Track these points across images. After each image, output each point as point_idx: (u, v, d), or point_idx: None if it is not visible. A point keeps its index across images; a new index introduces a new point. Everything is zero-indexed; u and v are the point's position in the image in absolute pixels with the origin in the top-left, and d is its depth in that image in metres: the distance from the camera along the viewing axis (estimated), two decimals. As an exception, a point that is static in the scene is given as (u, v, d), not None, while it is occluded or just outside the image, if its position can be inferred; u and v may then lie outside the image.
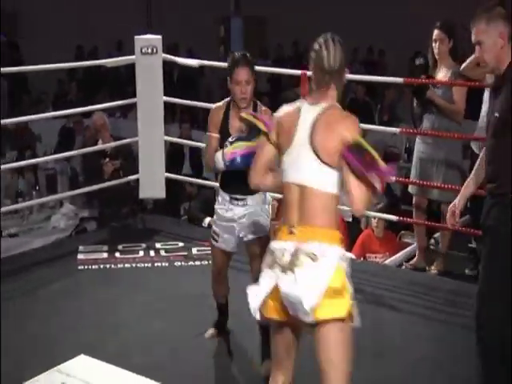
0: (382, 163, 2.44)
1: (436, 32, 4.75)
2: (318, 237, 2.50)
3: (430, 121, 4.82)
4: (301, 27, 15.22)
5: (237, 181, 3.27)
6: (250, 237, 3.57)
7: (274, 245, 2.58)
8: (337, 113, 2.56)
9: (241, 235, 3.58)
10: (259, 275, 2.63)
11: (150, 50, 5.45)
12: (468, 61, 4.57)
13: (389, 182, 2.95)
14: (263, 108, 3.55)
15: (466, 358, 3.47)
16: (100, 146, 5.96)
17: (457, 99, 4.75)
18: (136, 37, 5.48)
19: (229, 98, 3.58)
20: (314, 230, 2.51)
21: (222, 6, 16.87)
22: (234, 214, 3.54)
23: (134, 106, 5.60)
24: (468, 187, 3.23)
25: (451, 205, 3.23)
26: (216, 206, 3.64)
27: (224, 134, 3.50)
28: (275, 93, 11.51)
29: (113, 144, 5.94)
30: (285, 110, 2.66)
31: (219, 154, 3.36)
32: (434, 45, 4.79)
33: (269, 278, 2.54)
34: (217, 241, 3.63)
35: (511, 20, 2.91)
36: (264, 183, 2.75)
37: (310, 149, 2.51)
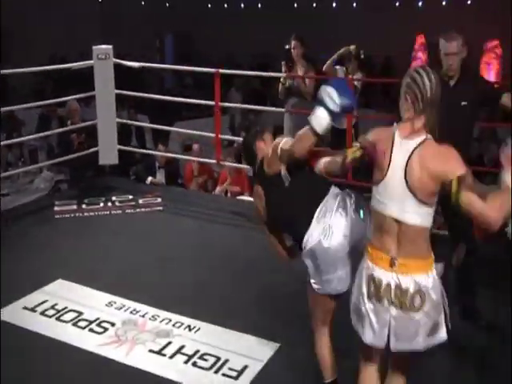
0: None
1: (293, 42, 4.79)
2: (419, 269, 1.87)
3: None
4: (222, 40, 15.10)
5: None
6: None
7: (377, 274, 1.90)
8: (433, 149, 1.84)
9: None
10: None
11: (104, 56, 5.26)
12: (328, 62, 4.59)
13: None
14: None
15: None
16: (71, 127, 5.72)
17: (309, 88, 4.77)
18: (94, 47, 5.28)
19: None
20: (414, 262, 1.87)
21: (159, 24, 16.39)
22: None
23: (93, 98, 5.41)
24: None
25: None
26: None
27: None
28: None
29: (82, 124, 5.70)
30: (379, 134, 1.95)
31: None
32: (292, 50, 4.82)
33: (382, 313, 1.91)
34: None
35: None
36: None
37: (407, 188, 1.84)
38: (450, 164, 1.80)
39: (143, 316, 3.15)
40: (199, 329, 3.02)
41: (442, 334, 1.92)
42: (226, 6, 17.42)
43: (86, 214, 4.64)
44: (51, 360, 2.81)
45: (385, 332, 1.91)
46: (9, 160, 7.28)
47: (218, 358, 2.79)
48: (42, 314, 3.17)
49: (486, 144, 6.69)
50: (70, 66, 5.69)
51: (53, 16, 14.18)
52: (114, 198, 4.95)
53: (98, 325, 3.06)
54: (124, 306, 3.25)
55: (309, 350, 2.73)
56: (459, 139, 2.31)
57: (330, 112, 2.08)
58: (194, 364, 2.76)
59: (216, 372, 2.70)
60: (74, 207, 4.74)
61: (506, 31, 10.45)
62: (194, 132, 5.61)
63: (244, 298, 3.34)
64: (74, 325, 3.07)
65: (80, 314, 3.17)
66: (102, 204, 4.82)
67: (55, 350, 2.88)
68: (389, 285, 1.88)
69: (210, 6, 17.47)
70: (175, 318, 3.13)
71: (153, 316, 3.15)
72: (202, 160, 5.86)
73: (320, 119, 2.09)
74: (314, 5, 15.85)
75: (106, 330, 3.02)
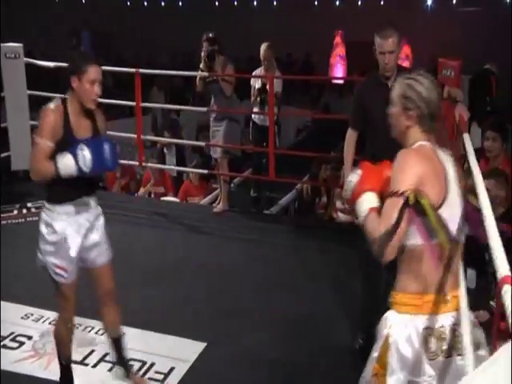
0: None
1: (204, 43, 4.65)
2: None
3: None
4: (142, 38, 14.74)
5: None
6: None
7: (437, 322, 1.51)
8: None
9: None
10: None
11: (13, 55, 4.99)
12: None
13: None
14: None
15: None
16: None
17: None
18: (1, 44, 4.99)
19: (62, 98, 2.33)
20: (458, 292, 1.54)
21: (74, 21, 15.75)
22: None
23: (3, 99, 5.12)
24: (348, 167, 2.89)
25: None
26: None
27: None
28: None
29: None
30: (425, 157, 1.58)
31: None
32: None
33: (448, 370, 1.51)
34: None
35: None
36: None
37: (460, 202, 1.60)
38: None
39: (63, 326, 3.01)
40: (123, 334, 2.92)
41: None
42: (145, 3, 17.08)
43: (3, 222, 4.38)
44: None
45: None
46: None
47: (144, 363, 2.73)
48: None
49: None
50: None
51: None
52: (29, 205, 4.70)
53: (13, 340, 2.89)
54: (42, 316, 3.09)
55: (235, 348, 2.74)
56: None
57: (78, 168, 2.17)
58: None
59: (142, 376, 2.64)
60: (-15, 216, 4.46)
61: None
62: (115, 133, 5.44)
63: (165, 298, 3.30)
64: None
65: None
66: (15, 211, 4.57)
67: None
68: (451, 330, 1.51)
69: (128, 3, 17.07)
70: (99, 324, 3.00)
71: (74, 325, 3.01)
72: (123, 162, 5.70)
73: (67, 167, 2.17)
74: (235, 3, 15.92)
75: (21, 344, 2.86)
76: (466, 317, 1.48)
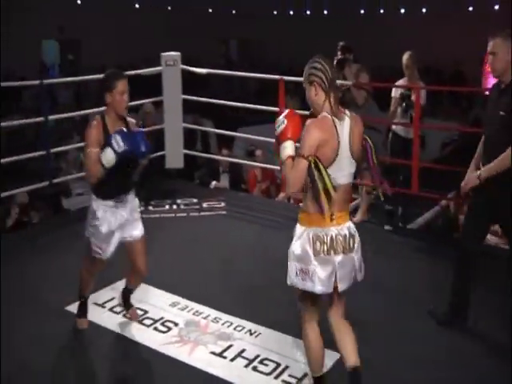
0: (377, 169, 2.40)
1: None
2: (348, 218, 2.30)
3: None
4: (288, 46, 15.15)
5: None
6: None
7: (321, 231, 2.23)
8: (358, 121, 2.31)
9: None
10: None
11: (172, 63, 5.43)
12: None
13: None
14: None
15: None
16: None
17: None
18: (162, 54, 5.45)
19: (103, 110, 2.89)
20: (345, 213, 2.29)
21: (224, 30, 16.59)
22: None
23: (161, 102, 5.58)
24: (471, 169, 3.03)
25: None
26: None
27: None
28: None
29: (149, 128, 5.86)
30: (322, 127, 2.20)
31: None
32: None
33: (329, 264, 2.25)
34: None
35: None
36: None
37: (351, 157, 2.26)
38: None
39: (205, 318, 3.21)
40: (260, 334, 3.04)
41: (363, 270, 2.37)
42: (291, 12, 17.51)
43: (152, 215, 4.79)
44: (116, 354, 2.92)
45: (332, 279, 2.27)
46: (83, 161, 7.59)
47: (278, 364, 2.80)
48: (111, 310, 3.30)
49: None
50: (140, 73, 5.87)
51: (119, 25, 14.72)
52: (179, 201, 5.07)
53: (162, 324, 3.16)
54: (187, 307, 3.33)
55: (367, 362, 2.69)
56: None
57: (115, 151, 2.66)
58: (255, 368, 2.78)
59: (276, 378, 2.71)
60: (141, 208, 4.87)
61: None
62: (258, 138, 5.66)
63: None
64: (140, 322, 3.17)
65: (145, 312, 3.27)
66: (167, 207, 4.96)
67: (121, 345, 3.00)
68: (331, 236, 2.24)
69: (275, 12, 17.63)
70: (236, 321, 3.16)
71: (215, 318, 3.21)
72: (265, 166, 5.90)
73: (106, 156, 2.68)
74: (382, 11, 15.63)
75: (169, 329, 3.11)
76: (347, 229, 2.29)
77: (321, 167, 2.15)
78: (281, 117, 2.27)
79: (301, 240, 2.28)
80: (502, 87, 2.85)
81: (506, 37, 2.76)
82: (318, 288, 2.27)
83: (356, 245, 2.32)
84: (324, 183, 2.15)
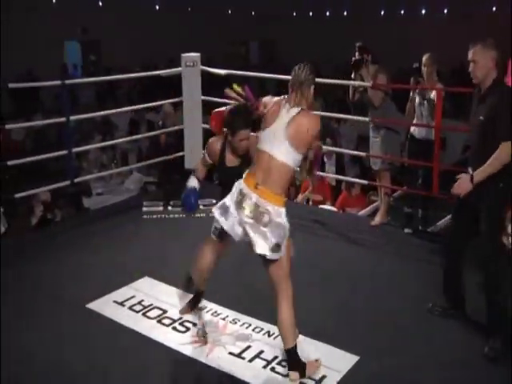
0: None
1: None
2: (272, 200, 2.55)
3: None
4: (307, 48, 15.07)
5: None
6: None
7: (245, 190, 2.59)
8: (306, 115, 2.59)
9: None
10: None
11: (191, 64, 5.43)
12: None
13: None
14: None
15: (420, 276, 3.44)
16: (161, 131, 5.97)
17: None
18: (182, 54, 5.46)
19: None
20: (271, 193, 2.55)
21: (245, 32, 16.62)
22: None
23: (181, 103, 5.61)
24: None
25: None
26: None
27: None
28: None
29: (170, 129, 5.94)
30: (274, 101, 2.67)
31: None
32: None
33: (240, 216, 2.60)
34: None
35: (500, 51, 2.91)
36: None
37: (284, 135, 2.55)
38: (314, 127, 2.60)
39: (224, 319, 3.22)
40: (278, 335, 3.02)
41: (281, 254, 2.62)
42: (310, 14, 17.47)
43: (171, 215, 4.82)
44: (135, 353, 2.94)
45: (238, 229, 2.63)
46: (103, 161, 7.68)
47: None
48: (130, 308, 3.33)
49: None
50: (160, 73, 5.92)
51: (139, 26, 14.85)
52: (199, 202, 5.07)
53: (181, 324, 3.17)
54: (206, 307, 3.33)
55: (388, 365, 2.67)
56: None
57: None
58: (273, 369, 2.78)
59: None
60: (161, 208, 4.94)
61: None
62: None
63: (321, 307, 3.32)
64: (159, 322, 3.19)
65: (164, 311, 3.29)
66: (187, 206, 4.98)
67: (140, 343, 3.01)
68: (250, 199, 2.56)
69: (295, 14, 17.61)
70: (255, 322, 3.16)
71: (233, 319, 3.21)
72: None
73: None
74: (402, 12, 15.50)
75: (188, 329, 3.12)
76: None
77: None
78: None
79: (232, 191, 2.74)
80: (482, 93, 2.95)
81: (487, 45, 2.88)
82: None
83: None
84: None
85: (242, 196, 2.60)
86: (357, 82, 4.64)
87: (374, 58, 4.61)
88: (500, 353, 2.86)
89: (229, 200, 2.68)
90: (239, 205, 2.60)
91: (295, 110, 2.59)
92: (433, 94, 4.46)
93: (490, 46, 2.90)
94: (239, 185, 2.65)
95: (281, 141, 2.56)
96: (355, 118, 5.01)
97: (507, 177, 2.87)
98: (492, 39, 2.94)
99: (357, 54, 4.58)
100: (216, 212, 2.73)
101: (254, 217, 2.56)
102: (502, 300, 2.92)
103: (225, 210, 2.68)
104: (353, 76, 4.63)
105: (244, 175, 2.67)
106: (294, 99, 2.60)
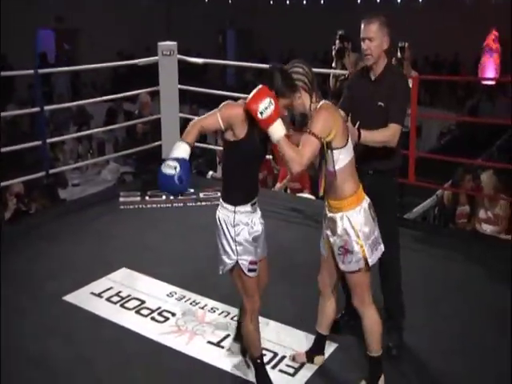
0: None
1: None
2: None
3: None
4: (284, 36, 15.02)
5: None
6: None
7: (367, 202, 2.42)
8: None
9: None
10: None
11: (168, 53, 5.35)
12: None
13: None
14: None
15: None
16: (138, 121, 5.90)
17: None
18: (159, 43, 5.38)
19: None
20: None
21: (220, 22, 16.55)
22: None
23: (158, 92, 5.54)
24: None
25: None
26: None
27: None
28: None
29: (146, 119, 5.86)
30: (335, 114, 2.33)
31: None
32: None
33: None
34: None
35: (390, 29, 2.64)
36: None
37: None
38: None
39: (202, 308, 3.21)
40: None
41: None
42: (287, 2, 17.39)
43: (148, 205, 4.78)
44: (115, 344, 2.91)
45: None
46: (79, 152, 7.58)
47: (276, 354, 2.81)
48: (108, 300, 3.29)
49: None
50: (137, 62, 5.82)
51: (119, 15, 14.61)
52: (175, 191, 5.04)
53: (160, 314, 3.15)
54: (184, 296, 3.32)
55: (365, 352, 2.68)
56: None
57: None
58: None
59: (273, 367, 2.71)
60: (138, 199, 4.88)
61: None
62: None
63: (299, 294, 3.34)
64: (137, 312, 3.17)
65: (142, 302, 3.27)
66: (164, 197, 4.93)
67: (120, 335, 2.99)
68: (365, 208, 2.39)
69: (271, 2, 17.50)
70: (233, 311, 3.16)
71: (212, 308, 3.20)
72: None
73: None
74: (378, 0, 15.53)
75: (167, 319, 3.10)
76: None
77: (327, 150, 2.28)
78: (267, 99, 2.14)
79: (362, 220, 2.37)
80: (373, 79, 2.71)
81: (382, 23, 2.62)
82: (376, 256, 2.45)
83: None
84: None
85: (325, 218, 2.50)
86: (337, 71, 4.64)
87: (354, 47, 4.62)
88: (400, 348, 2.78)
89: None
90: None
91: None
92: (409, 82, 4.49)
93: (385, 25, 2.63)
94: (365, 214, 2.38)
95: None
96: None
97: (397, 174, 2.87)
98: (384, 16, 2.66)
99: (337, 42, 4.56)
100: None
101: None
102: (396, 290, 2.86)
103: (376, 244, 2.44)
104: (334, 65, 4.62)
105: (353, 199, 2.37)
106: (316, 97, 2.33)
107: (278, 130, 2.19)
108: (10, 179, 4.60)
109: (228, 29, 17.36)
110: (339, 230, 2.40)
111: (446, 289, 3.45)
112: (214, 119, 2.27)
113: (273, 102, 2.16)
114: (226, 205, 2.38)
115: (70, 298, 3.28)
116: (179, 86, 5.46)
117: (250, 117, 2.21)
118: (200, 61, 5.67)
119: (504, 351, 2.79)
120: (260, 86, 2.19)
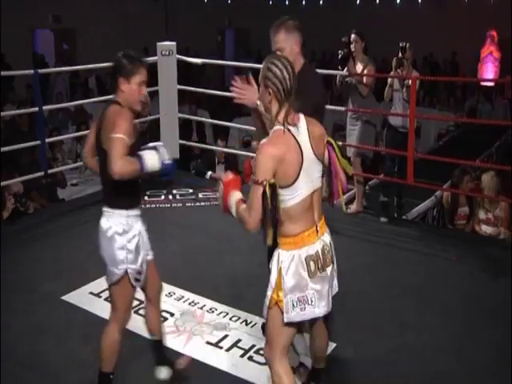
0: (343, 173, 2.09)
1: (353, 36, 4.62)
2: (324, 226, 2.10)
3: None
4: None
5: None
6: None
7: (312, 249, 2.02)
8: (314, 122, 2.08)
9: None
10: None
11: (167, 53, 5.36)
12: None
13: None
14: None
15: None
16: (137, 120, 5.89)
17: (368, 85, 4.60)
18: (158, 43, 5.39)
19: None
20: (323, 215, 2.09)
21: (220, 21, 16.55)
22: None
23: (157, 93, 5.54)
24: None
25: None
26: None
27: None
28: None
29: (145, 119, 5.86)
30: (277, 144, 1.96)
31: None
32: (352, 45, 4.65)
33: (326, 280, 2.07)
34: None
35: (302, 31, 2.62)
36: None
37: (317, 160, 2.03)
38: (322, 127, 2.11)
39: (201, 308, 3.21)
40: (255, 324, 3.04)
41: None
42: (286, 2, 17.39)
43: (147, 205, 4.77)
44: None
45: (330, 294, 2.11)
46: (78, 152, 7.56)
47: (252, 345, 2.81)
48: (107, 300, 3.28)
49: None
50: (136, 62, 5.83)
51: (116, 15, 14.59)
52: (174, 192, 5.05)
53: (159, 314, 3.14)
54: (183, 297, 3.32)
55: (365, 351, 2.69)
56: None
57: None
58: (250, 358, 2.78)
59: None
60: (137, 199, 4.88)
61: None
62: (253, 128, 5.61)
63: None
64: (136, 312, 3.15)
65: (141, 302, 3.24)
66: (163, 197, 4.94)
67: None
68: (322, 249, 2.04)
69: (270, 2, 17.50)
70: (232, 311, 3.16)
71: (210, 309, 3.20)
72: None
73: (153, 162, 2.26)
74: (377, 1, 15.54)
75: (165, 319, 3.10)
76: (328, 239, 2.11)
77: (277, 190, 1.93)
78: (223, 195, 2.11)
79: (291, 267, 2.00)
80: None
81: (290, 28, 2.60)
82: (321, 310, 2.05)
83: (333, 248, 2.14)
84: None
85: (313, 258, 2.03)
86: (340, 72, 4.66)
87: (366, 47, 4.66)
88: None
89: (295, 288, 2.01)
90: (320, 269, 2.04)
91: (304, 123, 2.03)
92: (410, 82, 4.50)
93: (292, 29, 2.60)
94: (298, 256, 2.00)
95: (315, 168, 2.03)
96: (332, 107, 5.02)
97: None
98: (292, 20, 2.63)
99: (357, 39, 4.62)
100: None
101: (332, 260, 2.13)
102: None
103: (304, 302, 2.02)
104: (340, 68, 4.68)
105: (283, 243, 2.03)
106: (292, 113, 2.01)
107: (232, 203, 2.09)
108: (9, 179, 4.60)
109: (227, 28, 17.34)
110: (270, 264, 2.11)
111: (444, 289, 3.45)
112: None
113: (222, 187, 2.12)
114: (116, 210, 2.33)
115: (69, 297, 3.28)
116: (178, 87, 5.46)
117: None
118: (199, 61, 5.67)
119: (502, 351, 2.80)
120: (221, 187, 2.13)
